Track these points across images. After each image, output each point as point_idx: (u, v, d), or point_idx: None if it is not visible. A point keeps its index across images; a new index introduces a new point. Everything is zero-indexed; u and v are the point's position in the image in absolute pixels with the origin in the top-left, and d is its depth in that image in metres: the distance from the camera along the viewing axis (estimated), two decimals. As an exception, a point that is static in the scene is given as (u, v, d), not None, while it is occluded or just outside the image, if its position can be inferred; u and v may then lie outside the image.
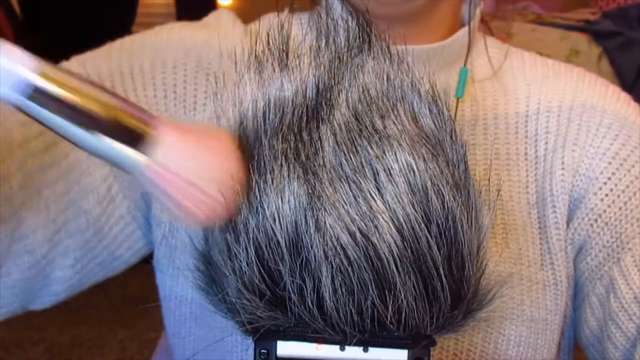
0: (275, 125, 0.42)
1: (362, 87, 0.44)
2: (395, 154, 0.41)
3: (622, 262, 0.61)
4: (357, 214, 0.39)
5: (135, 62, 0.63)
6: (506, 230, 0.63)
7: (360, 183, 0.40)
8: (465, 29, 0.64)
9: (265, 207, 0.40)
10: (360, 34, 0.46)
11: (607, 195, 0.63)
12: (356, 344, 0.41)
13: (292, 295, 0.39)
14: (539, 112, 0.66)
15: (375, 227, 0.39)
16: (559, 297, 0.64)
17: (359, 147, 0.41)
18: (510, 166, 0.64)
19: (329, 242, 0.39)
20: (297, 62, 0.44)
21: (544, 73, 0.68)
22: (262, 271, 0.40)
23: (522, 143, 0.65)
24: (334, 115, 0.42)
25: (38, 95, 0.34)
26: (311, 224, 0.39)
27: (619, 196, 0.63)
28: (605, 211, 0.63)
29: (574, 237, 0.64)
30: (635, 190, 0.63)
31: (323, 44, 0.45)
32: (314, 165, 0.40)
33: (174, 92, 0.62)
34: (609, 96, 0.67)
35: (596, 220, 0.63)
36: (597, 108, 0.66)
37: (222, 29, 0.66)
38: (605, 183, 0.63)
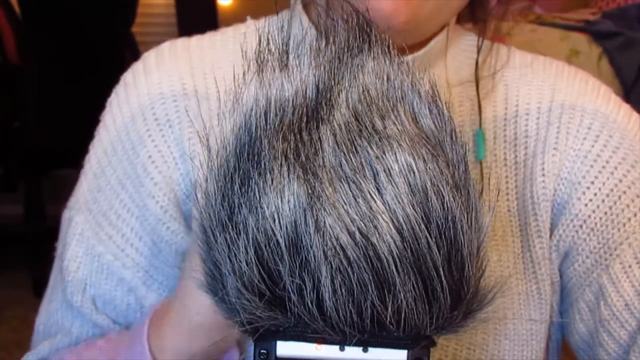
0: (276, 125, 0.42)
1: (362, 87, 0.43)
2: (395, 154, 0.41)
3: (611, 269, 0.60)
4: (357, 214, 0.39)
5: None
6: (488, 242, 0.62)
7: (360, 183, 0.40)
8: (440, 36, 0.62)
9: (265, 207, 0.40)
10: (360, 34, 0.46)
11: (591, 200, 0.62)
12: (356, 344, 0.41)
13: (292, 295, 0.39)
14: (517, 115, 0.64)
15: (375, 227, 0.39)
16: (544, 307, 0.62)
17: (358, 148, 0.41)
18: (488, 173, 0.62)
19: (329, 242, 0.39)
20: (297, 62, 0.44)
21: (522, 71, 0.66)
22: (262, 271, 0.40)
23: (500, 148, 0.63)
24: (334, 115, 0.42)
25: None
26: (311, 224, 0.39)
27: (603, 201, 0.61)
28: (590, 217, 0.61)
29: (559, 244, 0.63)
30: (620, 194, 0.61)
31: (323, 44, 0.45)
32: (314, 166, 0.40)
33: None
34: (588, 93, 0.65)
35: (581, 227, 0.62)
36: (576, 107, 0.64)
37: (164, 68, 0.66)
38: (588, 188, 0.62)
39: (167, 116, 0.64)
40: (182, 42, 0.69)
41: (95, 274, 0.65)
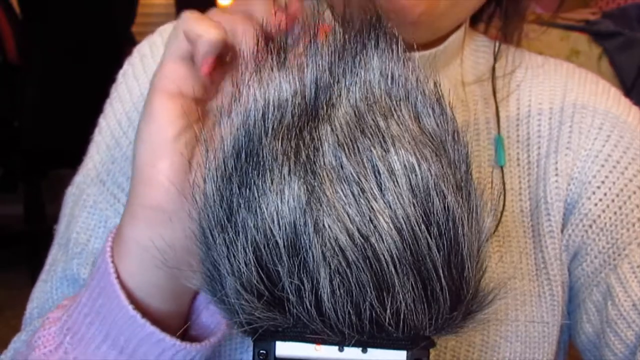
0: (275, 125, 0.42)
1: (365, 86, 0.43)
2: (398, 153, 0.40)
3: (619, 269, 0.60)
4: (357, 215, 0.39)
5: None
6: (499, 243, 0.62)
7: (361, 183, 0.40)
8: (456, 35, 0.62)
9: (264, 207, 0.40)
10: (366, 30, 0.45)
11: (600, 200, 0.62)
12: (355, 345, 0.41)
13: (290, 296, 0.39)
14: (529, 115, 0.64)
15: (375, 227, 0.39)
16: (556, 308, 0.62)
17: (360, 147, 0.41)
18: (502, 173, 0.63)
19: (328, 243, 0.39)
20: (296, 61, 0.44)
21: (534, 72, 0.67)
22: (260, 272, 0.40)
23: (513, 148, 0.64)
24: (335, 114, 0.42)
25: None
26: (310, 225, 0.39)
27: (613, 200, 0.62)
28: (599, 216, 0.62)
29: (568, 243, 0.63)
30: (630, 194, 0.61)
31: (321, 42, 0.45)
32: (315, 165, 0.40)
33: None
34: (599, 94, 0.65)
35: (591, 226, 0.62)
36: (587, 107, 0.64)
37: None
38: (598, 187, 0.62)
39: None
40: None
41: None
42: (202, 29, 0.45)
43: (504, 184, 0.62)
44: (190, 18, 0.46)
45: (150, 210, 0.47)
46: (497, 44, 0.66)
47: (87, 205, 0.65)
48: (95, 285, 0.49)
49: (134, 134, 0.64)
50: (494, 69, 0.65)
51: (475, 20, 0.70)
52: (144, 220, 0.47)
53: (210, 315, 0.52)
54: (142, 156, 0.47)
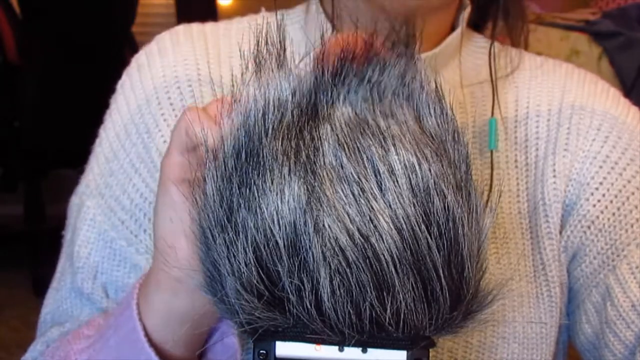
0: (275, 125, 0.42)
1: (366, 86, 0.43)
2: (398, 153, 0.40)
3: (618, 269, 0.60)
4: (357, 215, 0.39)
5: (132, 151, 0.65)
6: (497, 245, 0.62)
7: (361, 183, 0.40)
8: (453, 35, 0.62)
9: (264, 207, 0.40)
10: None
11: (599, 201, 0.62)
12: (355, 345, 0.41)
13: (291, 296, 0.39)
14: (527, 116, 0.64)
15: (375, 227, 0.39)
16: (554, 309, 0.62)
17: (360, 147, 0.41)
18: (500, 175, 0.63)
19: (328, 243, 0.39)
20: (296, 62, 0.44)
21: (532, 74, 0.66)
22: (261, 272, 0.40)
23: (511, 150, 0.63)
24: (335, 114, 0.42)
25: None
26: (310, 225, 0.39)
27: (611, 201, 0.61)
28: (598, 217, 0.61)
29: (567, 244, 0.63)
30: (628, 195, 0.61)
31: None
32: (315, 165, 0.40)
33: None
34: (597, 94, 0.65)
35: (589, 227, 0.62)
36: (586, 108, 0.64)
37: (180, 51, 0.66)
38: (597, 188, 0.62)
39: (182, 102, 0.64)
40: (197, 27, 0.68)
41: (107, 260, 0.64)
42: (202, 134, 0.46)
43: (492, 167, 0.62)
44: (191, 118, 0.47)
45: (173, 281, 0.49)
46: (493, 45, 0.66)
47: (87, 219, 0.66)
48: (124, 337, 0.52)
49: (132, 148, 0.65)
50: (491, 69, 0.65)
51: (479, 25, 0.70)
52: (168, 290, 0.50)
53: (222, 352, 0.54)
54: (162, 237, 0.49)
